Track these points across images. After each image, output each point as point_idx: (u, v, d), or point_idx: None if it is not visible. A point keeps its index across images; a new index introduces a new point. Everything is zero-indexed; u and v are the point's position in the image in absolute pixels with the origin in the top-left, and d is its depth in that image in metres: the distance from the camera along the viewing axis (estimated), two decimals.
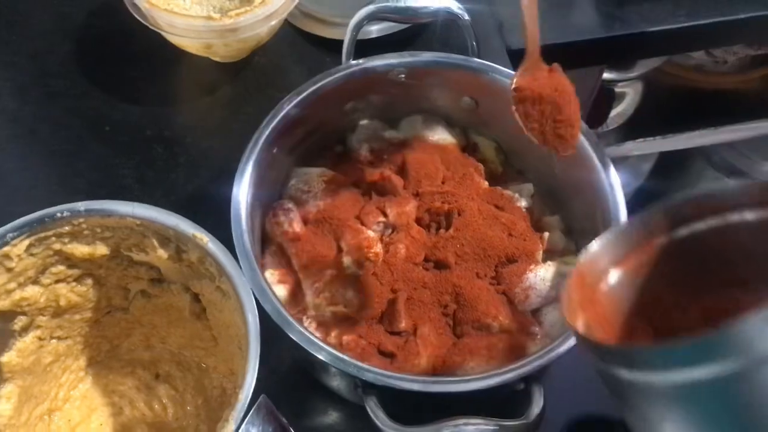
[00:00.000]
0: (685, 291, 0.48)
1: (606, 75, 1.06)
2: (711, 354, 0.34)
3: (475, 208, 0.62)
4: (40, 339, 0.55)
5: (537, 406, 0.49)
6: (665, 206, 0.47)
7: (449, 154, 0.66)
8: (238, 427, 0.42)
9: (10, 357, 0.54)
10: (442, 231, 0.62)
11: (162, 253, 0.52)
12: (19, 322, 0.54)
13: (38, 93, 0.78)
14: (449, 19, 0.64)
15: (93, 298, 0.56)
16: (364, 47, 0.65)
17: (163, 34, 0.73)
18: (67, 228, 0.51)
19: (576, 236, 0.64)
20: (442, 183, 0.64)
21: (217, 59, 0.79)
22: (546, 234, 0.63)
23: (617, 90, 1.19)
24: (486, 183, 0.66)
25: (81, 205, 0.51)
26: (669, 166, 1.37)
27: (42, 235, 0.51)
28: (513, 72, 0.64)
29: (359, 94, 0.66)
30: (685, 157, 1.32)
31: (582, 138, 0.60)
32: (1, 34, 0.82)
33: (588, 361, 0.42)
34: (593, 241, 0.48)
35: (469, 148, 0.69)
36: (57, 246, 0.52)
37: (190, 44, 0.75)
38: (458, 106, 0.68)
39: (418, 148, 0.66)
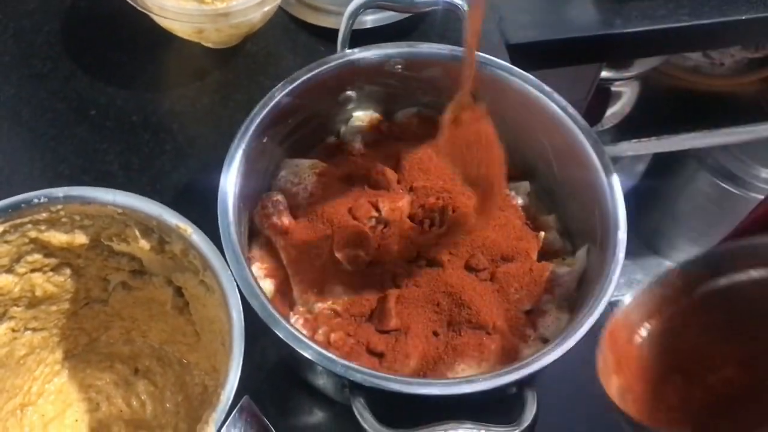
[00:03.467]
0: (720, 341, 0.46)
1: (603, 73, 1.05)
2: None
3: (470, 205, 0.60)
4: (13, 330, 0.53)
5: (530, 412, 0.48)
6: (704, 257, 0.46)
7: None
8: (219, 429, 0.40)
9: None
10: (435, 228, 0.60)
11: (144, 243, 0.51)
12: None
13: (22, 74, 0.76)
14: (448, 9, 0.62)
15: (71, 289, 0.54)
16: (360, 37, 0.63)
17: (153, 17, 0.71)
18: (44, 215, 0.49)
19: (573, 237, 0.63)
20: (438, 178, 0.62)
21: (208, 45, 0.77)
22: (542, 233, 0.61)
23: (614, 89, 1.18)
24: None
25: (60, 191, 0.49)
26: (662, 167, 1.37)
27: (17, 221, 0.48)
28: (512, 66, 0.63)
29: (354, 84, 0.64)
30: (678, 158, 1.32)
31: (582, 137, 0.59)
32: None
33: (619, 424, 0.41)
34: (626, 295, 0.46)
35: None
36: (33, 234, 0.50)
37: (180, 28, 0.73)
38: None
39: (414, 141, 0.65)
